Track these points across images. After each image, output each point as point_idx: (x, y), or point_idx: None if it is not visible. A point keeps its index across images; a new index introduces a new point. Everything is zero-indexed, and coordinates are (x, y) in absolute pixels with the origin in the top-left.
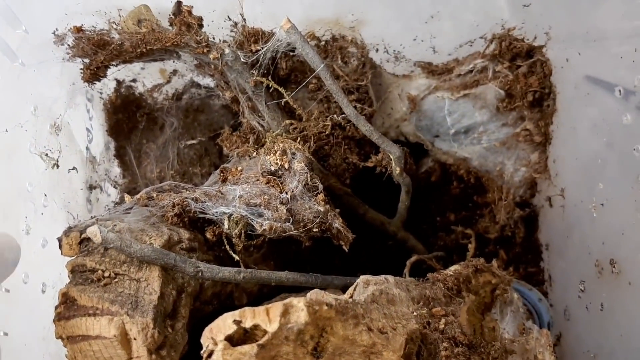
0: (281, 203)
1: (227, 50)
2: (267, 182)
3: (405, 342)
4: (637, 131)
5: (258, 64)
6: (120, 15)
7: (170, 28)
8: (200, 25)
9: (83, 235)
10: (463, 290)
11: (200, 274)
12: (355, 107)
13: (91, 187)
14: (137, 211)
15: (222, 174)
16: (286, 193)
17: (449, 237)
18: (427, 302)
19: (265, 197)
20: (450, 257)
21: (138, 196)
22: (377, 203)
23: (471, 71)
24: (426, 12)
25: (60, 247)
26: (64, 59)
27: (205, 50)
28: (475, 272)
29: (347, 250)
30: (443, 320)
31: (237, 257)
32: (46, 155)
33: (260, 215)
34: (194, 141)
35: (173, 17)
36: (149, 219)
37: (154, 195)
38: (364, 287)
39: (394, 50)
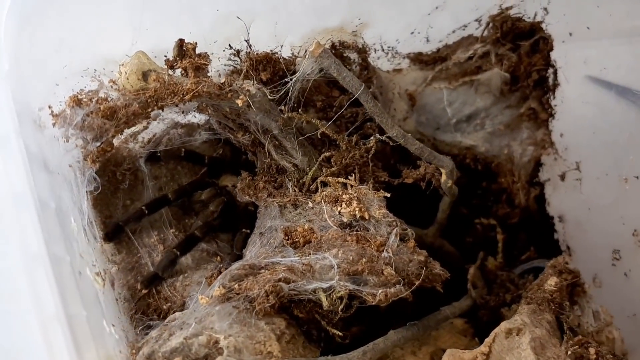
0: (386, 264)
1: (254, 90)
2: (357, 242)
3: None
4: None
5: (287, 98)
6: (118, 72)
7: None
8: (207, 64)
9: None
10: (564, 301)
11: None
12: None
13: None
14: (221, 311)
15: (287, 238)
16: (386, 251)
17: (471, 231)
18: (560, 332)
19: (365, 260)
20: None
21: (216, 294)
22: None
23: (471, 58)
24: (431, 2)
25: None
26: (77, 145)
27: (230, 96)
28: (560, 275)
29: (441, 291)
30: (592, 350)
31: (339, 333)
32: (97, 274)
33: (365, 283)
34: None
35: (177, 59)
36: (238, 317)
37: (235, 286)
38: (506, 337)
39: (388, 47)
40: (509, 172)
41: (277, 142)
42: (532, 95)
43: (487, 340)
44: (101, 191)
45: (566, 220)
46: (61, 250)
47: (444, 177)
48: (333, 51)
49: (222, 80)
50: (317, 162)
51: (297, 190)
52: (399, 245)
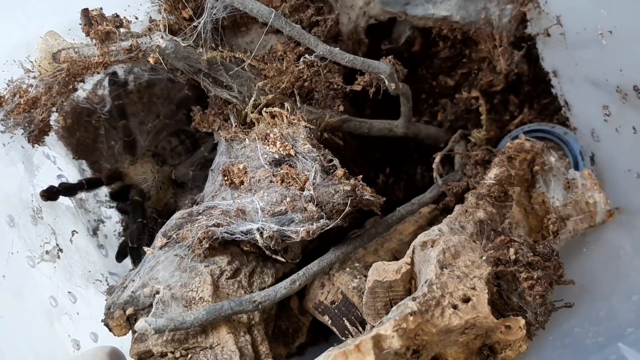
0: (307, 201)
1: (164, 44)
2: (282, 181)
3: (490, 295)
4: None
5: (203, 40)
6: (30, 60)
7: (91, 43)
8: (120, 24)
9: (128, 312)
10: (509, 190)
11: (260, 306)
12: (317, 22)
13: (95, 232)
14: (165, 260)
15: (226, 179)
16: (308, 189)
17: (456, 105)
18: (485, 233)
19: (288, 200)
20: (465, 126)
21: (158, 244)
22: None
23: None
24: None
25: (110, 330)
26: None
27: (140, 56)
28: (510, 161)
29: (380, 214)
30: (512, 250)
31: (282, 259)
32: (46, 253)
33: (291, 220)
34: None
35: (86, 28)
36: (180, 264)
37: (174, 235)
38: (422, 249)
39: None
40: (489, 37)
41: (211, 79)
42: None
43: (408, 252)
44: (80, 142)
45: (560, 75)
46: None
47: (386, 82)
48: None
49: (130, 44)
50: (255, 93)
51: (239, 123)
52: (324, 179)
